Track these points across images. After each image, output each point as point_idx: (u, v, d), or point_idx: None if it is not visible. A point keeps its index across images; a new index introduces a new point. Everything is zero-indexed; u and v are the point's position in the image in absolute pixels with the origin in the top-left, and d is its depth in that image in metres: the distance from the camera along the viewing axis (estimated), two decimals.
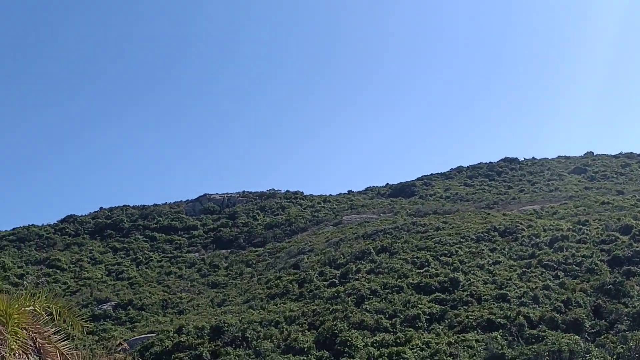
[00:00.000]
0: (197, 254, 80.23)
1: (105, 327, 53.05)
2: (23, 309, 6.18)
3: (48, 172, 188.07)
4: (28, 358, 5.89)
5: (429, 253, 54.08)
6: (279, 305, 49.97)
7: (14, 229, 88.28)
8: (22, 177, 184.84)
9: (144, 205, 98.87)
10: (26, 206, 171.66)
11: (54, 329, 6.61)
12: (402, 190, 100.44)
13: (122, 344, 37.48)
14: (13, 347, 5.61)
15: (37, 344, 6.12)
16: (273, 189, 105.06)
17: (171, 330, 45.19)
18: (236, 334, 41.83)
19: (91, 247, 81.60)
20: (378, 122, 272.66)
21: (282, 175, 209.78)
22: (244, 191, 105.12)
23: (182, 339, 42.01)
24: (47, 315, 6.69)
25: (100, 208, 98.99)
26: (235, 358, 38.10)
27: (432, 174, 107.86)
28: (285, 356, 37.17)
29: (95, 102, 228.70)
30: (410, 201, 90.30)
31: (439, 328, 39.64)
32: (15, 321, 5.78)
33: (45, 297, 6.73)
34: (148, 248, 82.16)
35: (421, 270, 50.34)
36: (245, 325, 43.02)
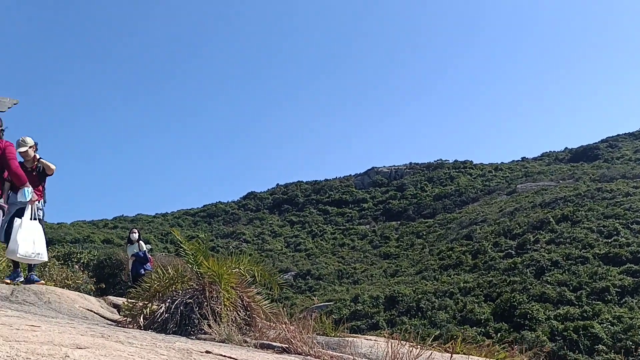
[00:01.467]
0: (367, 226, 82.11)
1: (287, 295, 56.91)
2: (230, 270, 6.90)
3: (231, 154, 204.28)
4: (237, 314, 6.58)
5: (617, 221, 49.52)
6: (452, 277, 49.49)
7: (204, 206, 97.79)
8: (210, 159, 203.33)
9: (316, 181, 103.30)
10: (213, 185, 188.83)
11: (256, 290, 7.28)
12: (584, 154, 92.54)
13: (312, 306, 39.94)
14: (226, 303, 6.31)
15: (244, 301, 6.82)
16: (440, 159, 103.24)
17: (347, 299, 47.16)
18: (410, 304, 42.40)
19: (271, 221, 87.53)
20: (552, 78, 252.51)
21: (450, 145, 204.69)
22: (410, 163, 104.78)
23: (358, 308, 43.69)
24: (250, 277, 7.36)
25: (277, 184, 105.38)
26: (411, 328, 38.67)
27: (618, 135, 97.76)
28: (462, 327, 36.80)
29: (273, 86, 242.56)
30: (594, 165, 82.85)
31: (632, 302, 36.30)
32: (226, 281, 6.50)
33: (248, 261, 7.41)
34: (322, 221, 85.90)
35: (609, 240, 46.39)
36: (419, 296, 43.37)
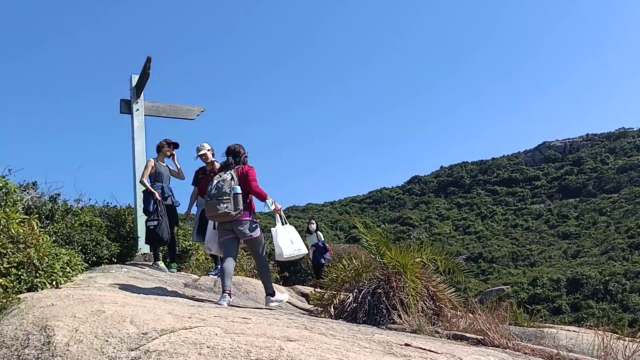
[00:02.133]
0: (542, 205, 77.25)
1: (459, 279, 55.65)
2: (413, 260, 6.87)
3: (395, 139, 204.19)
4: (425, 304, 6.53)
5: None
6: None
7: (369, 192, 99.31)
8: (374, 147, 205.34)
9: (482, 160, 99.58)
10: (378, 171, 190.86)
11: (439, 278, 7.18)
12: None
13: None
14: (412, 293, 6.30)
15: (429, 291, 6.76)
16: (623, 128, 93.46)
17: (525, 282, 44.88)
18: (597, 287, 39.15)
19: (437, 205, 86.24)
20: None
21: (634, 110, 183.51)
22: (587, 134, 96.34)
23: (537, 291, 41.37)
24: (433, 266, 7.27)
25: (441, 167, 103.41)
26: (599, 312, 35.72)
27: None
28: None
29: (427, 61, 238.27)
30: None
31: None
32: (411, 270, 6.49)
33: (430, 249, 7.32)
34: (491, 202, 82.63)
35: None
36: (607, 278, 39.84)
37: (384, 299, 6.42)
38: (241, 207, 6.31)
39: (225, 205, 6.22)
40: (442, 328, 5.82)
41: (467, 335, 5.28)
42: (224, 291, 6.20)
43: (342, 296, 6.89)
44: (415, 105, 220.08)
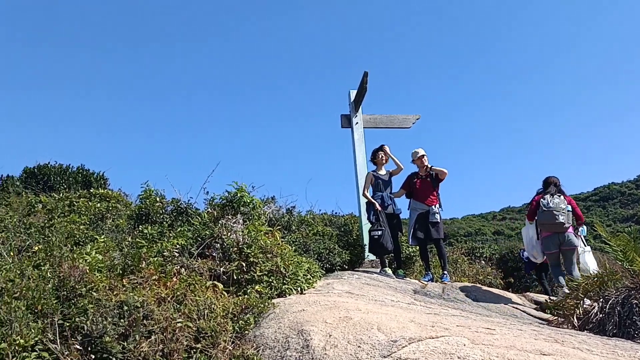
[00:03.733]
0: None
1: None
2: None
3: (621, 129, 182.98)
4: None
5: None
6: None
7: (595, 189, 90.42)
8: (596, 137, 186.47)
9: None
10: (605, 165, 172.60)
11: None
12: None
13: None
14: None
15: None
16: None
17: None
18: None
19: None
20: None
21: None
22: None
23: None
24: None
25: None
26: None
27: None
28: None
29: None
30: None
31: None
32: None
33: None
34: None
35: None
36: None
37: (637, 310, 5.80)
38: (571, 221, 7.98)
39: (563, 217, 7.82)
40: None
41: None
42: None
43: (586, 305, 6.37)
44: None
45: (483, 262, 15.85)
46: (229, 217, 7.96)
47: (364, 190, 9.25)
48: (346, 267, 8.96)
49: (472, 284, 8.99)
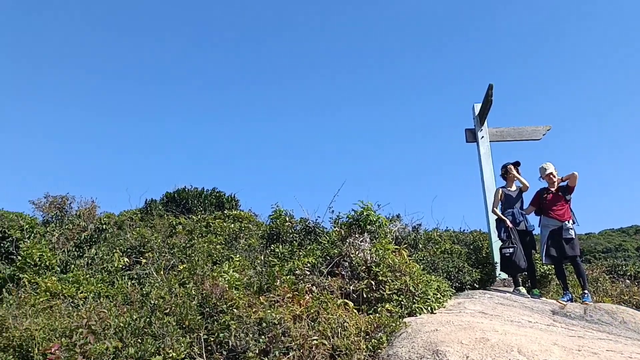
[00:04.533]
0: None
1: None
2: None
3: None
4: None
5: None
6: None
7: None
8: None
9: None
10: None
11: None
12: None
13: None
14: None
15: None
16: None
17: None
18: None
19: None
20: None
21: None
22: None
23: None
24: None
25: None
26: None
27: None
28: None
29: None
30: None
31: None
32: None
33: None
34: None
35: None
36: None
37: None
38: None
39: None
40: None
41: None
42: None
43: None
44: None
45: (628, 280, 14.59)
46: (356, 235, 8.07)
47: (493, 207, 8.96)
48: (477, 286, 8.69)
49: (617, 305, 8.32)
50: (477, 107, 10.28)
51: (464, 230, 10.84)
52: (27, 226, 9.92)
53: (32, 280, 7.16)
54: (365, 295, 6.85)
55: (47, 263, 8.09)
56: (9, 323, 4.42)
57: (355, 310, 6.23)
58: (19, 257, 8.32)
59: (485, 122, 10.23)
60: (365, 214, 8.12)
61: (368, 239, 8.06)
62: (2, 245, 9.63)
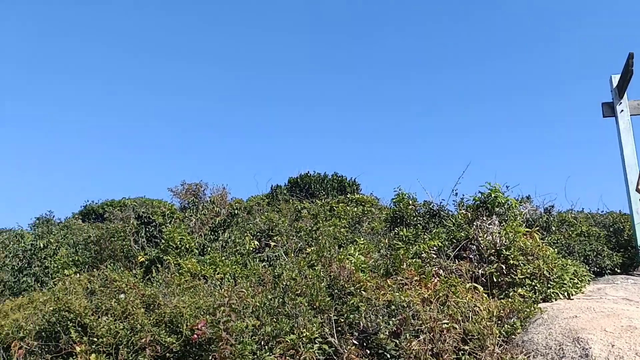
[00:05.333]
0: None
1: None
2: None
3: None
4: None
5: None
6: None
7: None
8: None
9: None
10: None
11: None
12: None
13: None
14: None
15: None
16: None
17: None
18: None
19: None
20: None
21: None
22: None
23: None
24: None
25: None
26: None
27: None
28: None
29: None
30: None
31: None
32: None
33: None
34: None
35: None
36: None
37: None
38: None
39: None
40: None
41: None
42: None
43: None
44: None
45: None
46: (484, 218, 7.84)
47: (637, 186, 8.27)
48: (618, 270, 8.11)
49: None
50: (615, 79, 9.50)
51: (602, 211, 10.11)
52: (168, 212, 10.73)
53: (175, 262, 7.75)
54: (495, 280, 6.65)
55: (187, 246, 8.70)
56: (159, 300, 4.83)
57: (484, 295, 6.08)
58: (162, 241, 9.04)
59: (625, 95, 9.43)
60: (493, 195, 7.86)
61: (497, 222, 7.79)
62: (147, 229, 10.51)
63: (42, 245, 10.65)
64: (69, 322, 4.54)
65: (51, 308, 4.81)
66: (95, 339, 4.39)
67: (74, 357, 4.30)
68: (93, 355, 4.17)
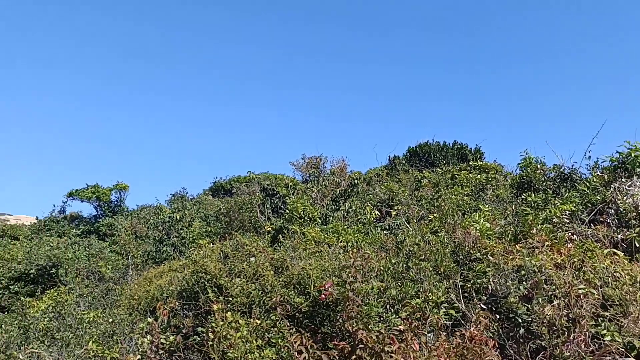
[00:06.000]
0: None
1: None
2: None
3: None
4: None
5: None
6: None
7: None
8: None
9: None
10: None
11: None
12: None
13: None
14: None
15: None
16: None
17: None
18: None
19: None
20: None
21: None
22: None
23: None
24: None
25: None
26: None
27: None
28: None
29: None
30: None
31: None
32: None
33: None
34: None
35: None
36: None
37: None
38: None
39: None
40: None
41: None
42: None
43: None
44: None
45: None
46: (623, 180, 7.24)
47: None
48: None
49: None
50: None
51: None
52: (290, 184, 11.07)
53: (300, 231, 8.00)
54: (637, 245, 6.16)
55: (310, 215, 8.94)
56: (288, 263, 5.02)
57: (625, 260, 5.64)
58: (287, 211, 9.36)
59: None
60: (633, 155, 7.24)
61: (637, 183, 7.17)
62: (272, 201, 10.94)
63: (178, 217, 11.48)
64: (206, 282, 4.86)
65: (190, 270, 5.18)
66: (230, 299, 4.67)
67: (212, 315, 4.61)
68: (229, 313, 4.43)
